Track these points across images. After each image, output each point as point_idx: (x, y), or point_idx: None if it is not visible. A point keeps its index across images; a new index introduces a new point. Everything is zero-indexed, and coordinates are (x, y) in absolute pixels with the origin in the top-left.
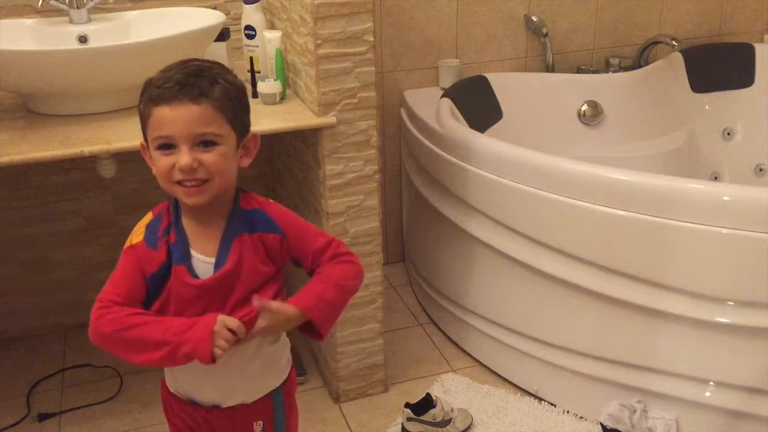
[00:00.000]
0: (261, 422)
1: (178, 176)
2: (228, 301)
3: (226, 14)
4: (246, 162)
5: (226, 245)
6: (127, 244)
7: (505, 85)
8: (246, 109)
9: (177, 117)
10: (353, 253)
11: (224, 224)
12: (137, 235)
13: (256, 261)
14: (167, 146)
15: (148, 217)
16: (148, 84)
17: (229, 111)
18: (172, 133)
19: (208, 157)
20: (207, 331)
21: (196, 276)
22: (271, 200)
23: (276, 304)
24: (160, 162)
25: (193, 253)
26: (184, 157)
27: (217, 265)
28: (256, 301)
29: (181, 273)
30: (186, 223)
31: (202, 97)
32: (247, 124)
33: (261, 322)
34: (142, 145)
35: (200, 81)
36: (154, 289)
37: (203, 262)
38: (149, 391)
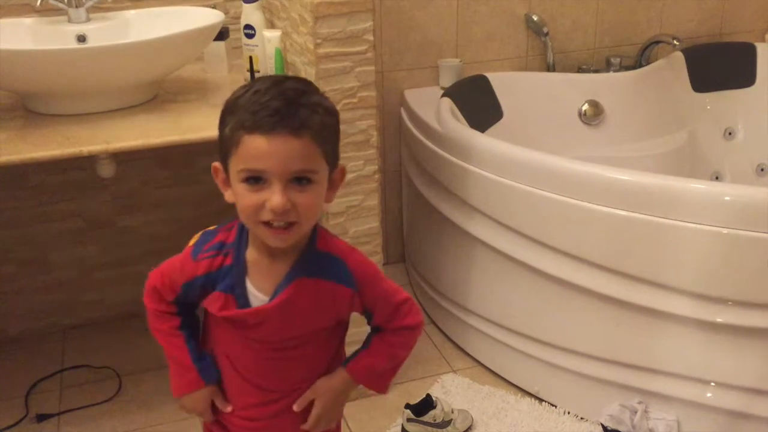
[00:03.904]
0: None
1: (266, 217)
2: (270, 341)
3: (226, 13)
4: (331, 198)
5: (285, 285)
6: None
7: (505, 84)
8: (338, 139)
9: (274, 151)
10: (419, 316)
11: (292, 263)
12: (193, 239)
13: (315, 311)
14: (256, 180)
15: (213, 227)
16: (236, 105)
17: (326, 143)
18: (265, 167)
19: (303, 198)
20: (182, 392)
21: (243, 307)
22: (352, 246)
23: (315, 414)
24: (246, 198)
25: (249, 286)
26: (276, 196)
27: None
28: (296, 408)
29: (221, 300)
30: (250, 254)
31: (303, 129)
32: (338, 156)
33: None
34: (215, 167)
35: (301, 109)
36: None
37: (257, 299)
38: (148, 392)
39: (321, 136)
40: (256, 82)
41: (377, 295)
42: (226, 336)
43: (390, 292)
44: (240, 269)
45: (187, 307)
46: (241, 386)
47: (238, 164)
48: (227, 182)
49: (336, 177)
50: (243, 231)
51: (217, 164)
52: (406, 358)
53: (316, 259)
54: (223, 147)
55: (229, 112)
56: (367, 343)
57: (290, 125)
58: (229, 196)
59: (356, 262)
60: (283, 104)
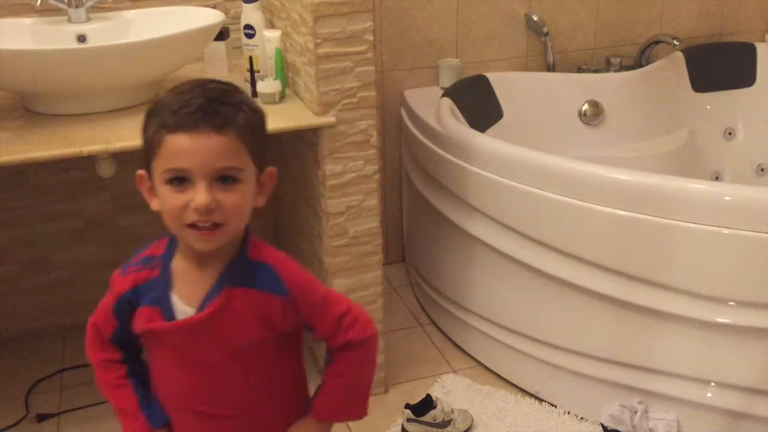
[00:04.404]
0: None
1: (191, 218)
2: (202, 356)
3: (226, 13)
4: (260, 201)
5: (212, 295)
6: None
7: (505, 84)
8: (266, 141)
9: (197, 148)
10: (368, 328)
11: (220, 271)
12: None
13: (247, 322)
14: (180, 180)
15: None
16: (159, 107)
17: (252, 142)
18: (189, 166)
19: (228, 198)
20: None
21: (169, 320)
22: (286, 256)
23: None
24: (170, 200)
25: (174, 298)
26: (201, 194)
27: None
28: None
29: (147, 314)
30: (178, 263)
31: (227, 126)
32: (266, 158)
33: None
34: (140, 175)
35: (224, 107)
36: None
37: (183, 312)
38: None
39: (246, 134)
40: (179, 85)
41: (313, 305)
42: (163, 362)
43: (329, 303)
44: (165, 280)
45: (132, 353)
46: (192, 422)
47: (161, 165)
48: (153, 190)
49: (265, 180)
50: (172, 243)
51: (141, 171)
52: (371, 375)
53: (246, 267)
54: (146, 150)
55: (151, 114)
56: (323, 380)
57: (213, 122)
58: (155, 204)
59: (288, 271)
60: (206, 102)
